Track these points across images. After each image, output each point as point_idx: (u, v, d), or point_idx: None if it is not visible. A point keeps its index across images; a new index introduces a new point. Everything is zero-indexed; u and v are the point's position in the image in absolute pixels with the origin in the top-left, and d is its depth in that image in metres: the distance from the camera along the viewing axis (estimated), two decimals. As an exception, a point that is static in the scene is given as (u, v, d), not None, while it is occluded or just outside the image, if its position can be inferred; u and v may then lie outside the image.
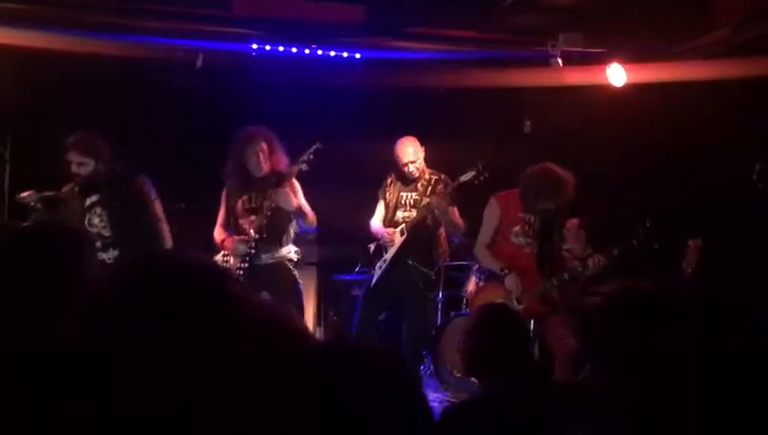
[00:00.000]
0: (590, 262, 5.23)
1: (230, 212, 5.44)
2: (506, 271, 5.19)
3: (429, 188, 5.67)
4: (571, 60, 6.47)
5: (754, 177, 5.37)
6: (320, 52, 6.62)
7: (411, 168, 5.67)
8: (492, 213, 5.35)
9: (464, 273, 6.82)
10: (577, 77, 6.67)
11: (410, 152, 5.67)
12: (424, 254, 5.68)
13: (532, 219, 5.24)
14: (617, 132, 6.88)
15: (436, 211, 5.53)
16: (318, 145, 5.30)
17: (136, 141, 6.23)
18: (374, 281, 5.72)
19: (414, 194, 5.72)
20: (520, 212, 5.25)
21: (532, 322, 5.05)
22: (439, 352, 6.04)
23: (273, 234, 5.33)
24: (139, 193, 5.04)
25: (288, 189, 5.30)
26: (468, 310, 6.34)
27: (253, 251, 5.27)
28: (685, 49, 6.33)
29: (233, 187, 5.46)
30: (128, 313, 1.34)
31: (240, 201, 5.40)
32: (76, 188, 5.09)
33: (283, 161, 5.40)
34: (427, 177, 5.71)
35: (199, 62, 6.40)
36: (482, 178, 5.44)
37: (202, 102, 6.81)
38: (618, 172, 6.94)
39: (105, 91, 6.51)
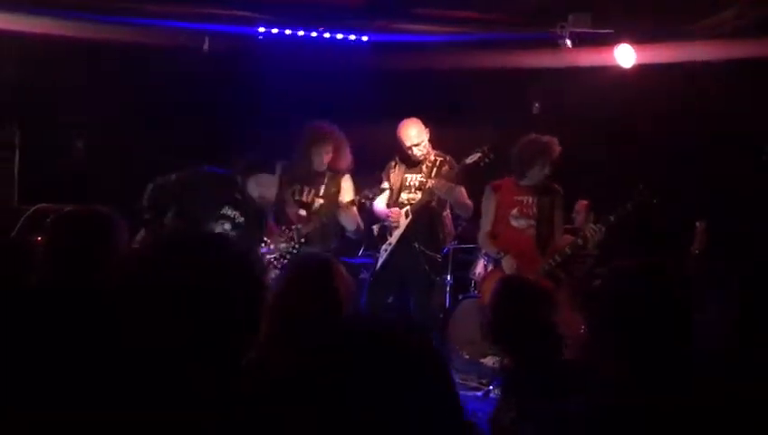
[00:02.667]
0: (588, 232, 5.21)
1: (279, 194, 5.44)
2: (502, 254, 5.29)
3: (434, 170, 5.64)
4: (580, 41, 6.41)
5: (764, 157, 5.34)
6: (327, 35, 6.60)
7: (415, 150, 5.64)
8: (488, 201, 5.45)
9: (472, 255, 6.80)
10: (586, 58, 6.62)
11: (413, 135, 5.63)
12: (429, 237, 5.67)
13: (530, 200, 5.29)
14: (626, 114, 6.83)
15: (437, 193, 5.53)
16: (384, 186, 5.61)
17: (142, 126, 6.23)
18: (380, 264, 5.72)
19: (419, 176, 5.70)
20: (515, 195, 5.34)
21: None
22: (448, 335, 6.05)
23: (319, 238, 5.38)
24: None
25: (356, 211, 5.42)
26: (477, 292, 6.34)
27: (294, 252, 5.30)
28: (695, 28, 6.27)
29: (290, 172, 5.47)
30: (154, 289, 1.33)
31: (291, 190, 5.48)
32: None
33: (345, 162, 5.53)
34: (432, 158, 5.69)
35: (206, 46, 6.39)
36: (487, 160, 5.44)
37: (209, 86, 6.80)
38: (626, 153, 6.89)
39: (112, 76, 6.51)
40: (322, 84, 6.77)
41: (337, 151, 5.47)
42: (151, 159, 5.20)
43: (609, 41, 6.44)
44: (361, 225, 5.56)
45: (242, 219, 5.00)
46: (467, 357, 5.91)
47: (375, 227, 5.84)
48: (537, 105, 7.32)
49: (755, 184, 5.82)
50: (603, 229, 5.14)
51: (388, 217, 5.69)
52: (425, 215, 5.64)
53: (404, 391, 1.13)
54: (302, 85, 6.67)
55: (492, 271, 5.67)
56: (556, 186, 5.40)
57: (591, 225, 5.27)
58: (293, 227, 5.36)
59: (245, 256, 1.56)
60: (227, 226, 4.99)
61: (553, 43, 6.42)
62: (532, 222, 5.30)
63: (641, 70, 6.47)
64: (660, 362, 2.00)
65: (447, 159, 5.68)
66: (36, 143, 6.48)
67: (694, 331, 2.06)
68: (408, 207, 5.66)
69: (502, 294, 3.21)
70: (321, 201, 5.46)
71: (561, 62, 6.64)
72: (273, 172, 5.05)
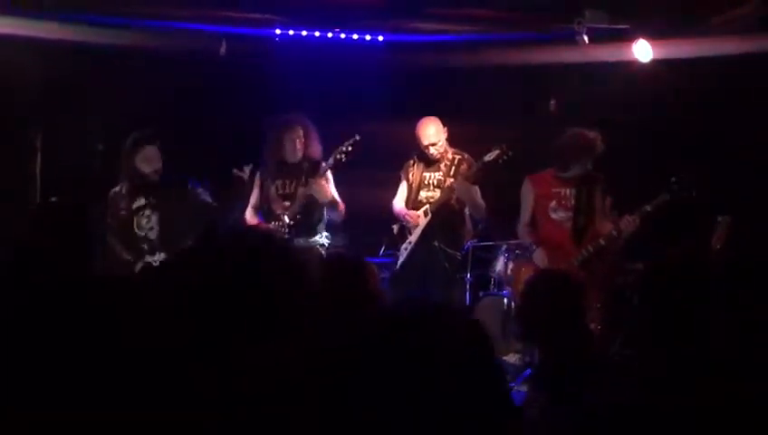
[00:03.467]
0: (623, 223, 5.15)
1: (264, 196, 5.57)
2: (534, 246, 5.30)
3: (453, 168, 5.65)
4: (598, 37, 6.37)
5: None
6: (343, 35, 6.62)
7: (432, 150, 5.66)
8: (526, 192, 5.45)
9: (492, 253, 6.79)
10: (603, 54, 6.58)
11: (431, 134, 5.65)
12: (450, 235, 5.67)
13: (568, 192, 5.28)
14: (644, 110, 6.78)
15: (457, 192, 5.54)
16: (357, 137, 5.42)
17: (161, 128, 6.28)
18: (400, 262, 5.75)
19: (437, 174, 5.71)
20: (553, 187, 5.33)
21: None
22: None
23: (307, 221, 5.46)
24: (189, 196, 5.18)
25: (324, 181, 5.43)
26: (497, 290, 6.34)
27: (286, 238, 5.34)
28: (714, 23, 6.20)
29: (267, 171, 5.60)
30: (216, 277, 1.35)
31: (274, 187, 5.55)
32: (124, 190, 5.19)
33: (317, 149, 5.55)
34: (450, 156, 5.70)
35: (223, 50, 6.43)
36: (506, 157, 5.44)
37: (226, 88, 6.84)
38: (645, 150, 6.84)
39: (132, 80, 6.57)
40: (339, 85, 6.79)
41: (308, 138, 5.52)
42: (169, 161, 5.26)
43: (626, 36, 6.40)
44: (338, 199, 5.51)
45: (155, 200, 5.10)
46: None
47: (395, 227, 5.85)
48: (553, 102, 7.28)
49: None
50: (638, 220, 5.11)
51: (407, 219, 5.70)
52: (445, 213, 5.65)
53: (423, 386, 1.11)
54: (319, 86, 6.69)
55: (524, 263, 5.61)
56: (596, 173, 5.35)
57: (627, 216, 5.21)
58: (279, 215, 5.47)
59: (258, 256, 1.56)
60: (147, 211, 5.12)
61: (571, 40, 6.38)
62: (570, 214, 5.29)
63: (658, 65, 6.42)
64: (673, 360, 2.00)
65: (466, 156, 5.69)
66: (58, 146, 6.57)
67: (707, 329, 2.06)
68: (428, 205, 5.67)
69: (536, 284, 3.21)
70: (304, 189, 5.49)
71: (578, 58, 6.60)
72: (155, 144, 5.10)
